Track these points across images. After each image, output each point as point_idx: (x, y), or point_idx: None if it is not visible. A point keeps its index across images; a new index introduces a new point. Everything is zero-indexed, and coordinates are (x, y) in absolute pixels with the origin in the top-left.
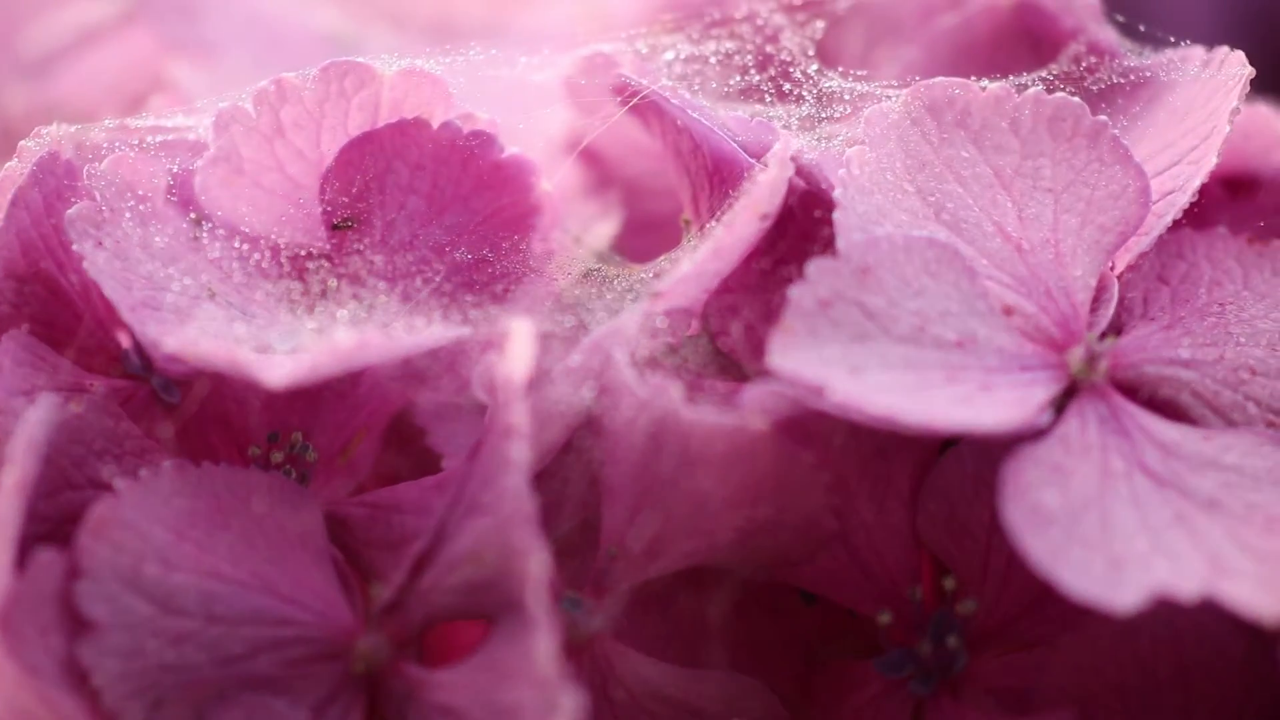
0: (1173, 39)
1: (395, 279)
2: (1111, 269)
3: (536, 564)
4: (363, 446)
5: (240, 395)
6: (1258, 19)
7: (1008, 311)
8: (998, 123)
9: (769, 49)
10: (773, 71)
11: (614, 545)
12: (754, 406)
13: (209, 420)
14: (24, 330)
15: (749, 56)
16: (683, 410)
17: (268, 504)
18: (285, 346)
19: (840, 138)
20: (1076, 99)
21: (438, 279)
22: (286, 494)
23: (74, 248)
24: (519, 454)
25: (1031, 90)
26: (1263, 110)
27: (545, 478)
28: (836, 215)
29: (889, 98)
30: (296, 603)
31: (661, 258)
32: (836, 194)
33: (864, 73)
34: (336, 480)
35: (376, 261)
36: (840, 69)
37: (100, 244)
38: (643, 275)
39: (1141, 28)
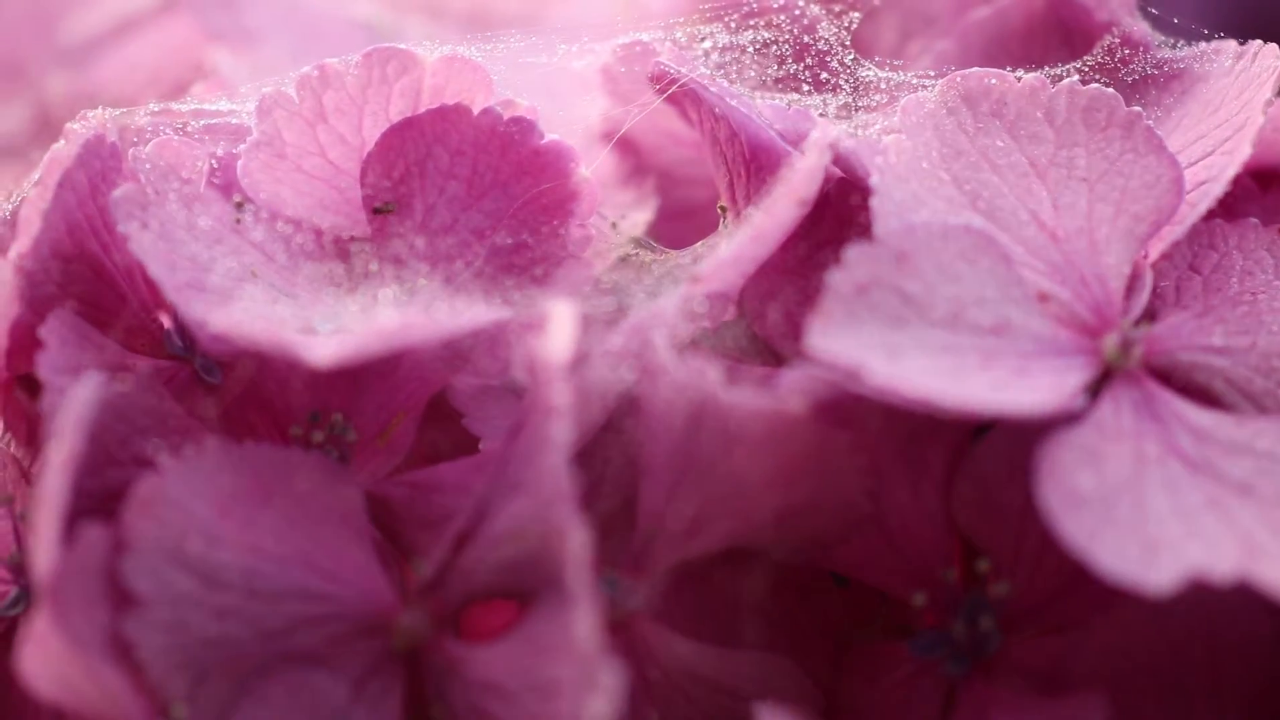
0: (1205, 30)
1: (436, 262)
2: (1145, 257)
3: (576, 542)
4: (402, 427)
5: (282, 376)
6: (1258, 14)
7: (1043, 298)
8: (1033, 113)
9: (806, 39)
10: (809, 61)
11: (652, 525)
12: (791, 389)
13: (251, 400)
14: (70, 310)
15: (786, 46)
16: (721, 392)
17: (309, 483)
18: (328, 328)
19: (877, 127)
20: (1110, 90)
21: (478, 262)
22: (327, 473)
23: (119, 229)
24: (560, 434)
25: (1066, 81)
26: None
27: (585, 458)
28: (874, 202)
29: (925, 87)
30: (337, 579)
31: (699, 243)
32: (873, 181)
33: (900, 63)
34: (377, 460)
35: (418, 244)
36: (876, 59)
37: (145, 226)
38: (680, 261)
39: (1175, 20)
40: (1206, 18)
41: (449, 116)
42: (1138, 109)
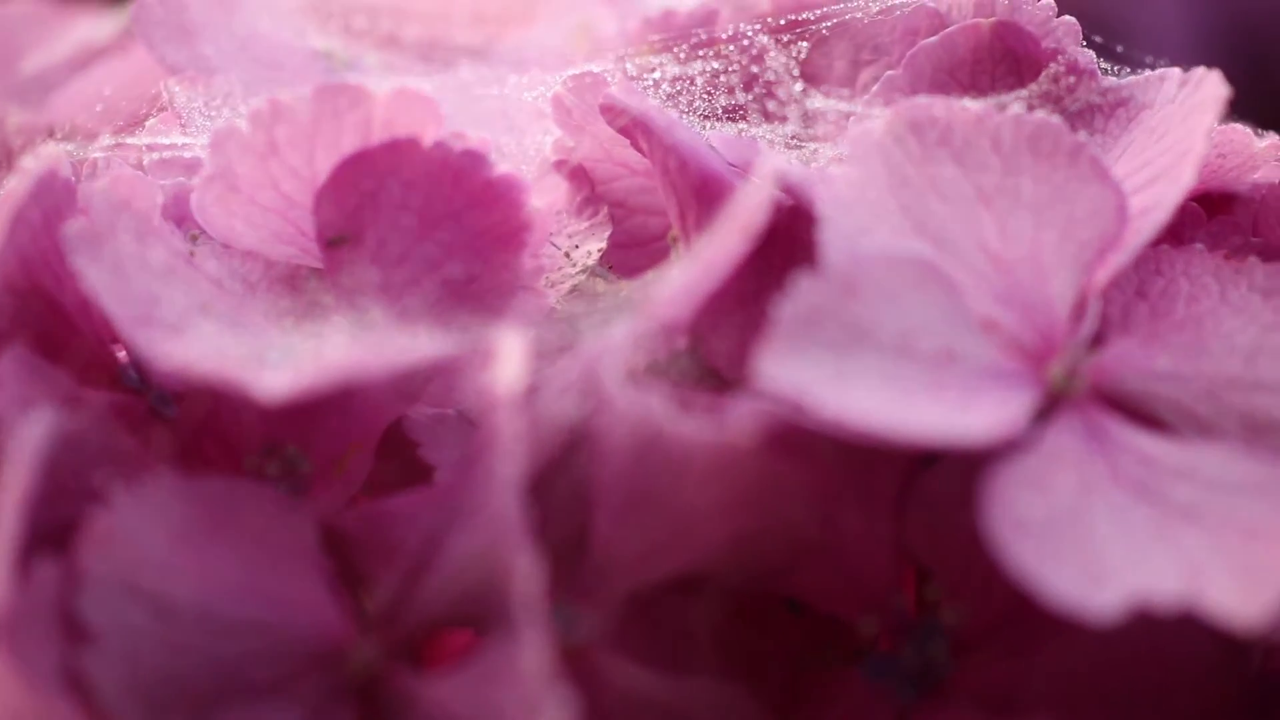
0: (1150, 59)
1: (389, 293)
2: (1091, 284)
3: (525, 572)
4: (356, 458)
5: (235, 409)
6: (1232, 30)
7: (989, 326)
8: (979, 141)
9: (754, 69)
10: (758, 91)
11: (604, 555)
12: (739, 419)
13: (205, 433)
14: (23, 345)
15: (734, 77)
16: (668, 424)
17: (262, 515)
18: (281, 362)
19: (825, 156)
20: (1056, 118)
21: (431, 293)
22: (280, 505)
23: (72, 264)
24: (509, 465)
25: (1012, 110)
26: (1239, 130)
27: (535, 489)
28: (821, 231)
29: (872, 117)
30: (291, 612)
31: (649, 274)
32: (821, 211)
33: (847, 92)
34: (331, 492)
35: (371, 276)
36: (825, 89)
37: (98, 260)
38: (631, 291)
39: (1119, 48)
40: (1191, 31)
41: (400, 149)
42: (1082, 137)
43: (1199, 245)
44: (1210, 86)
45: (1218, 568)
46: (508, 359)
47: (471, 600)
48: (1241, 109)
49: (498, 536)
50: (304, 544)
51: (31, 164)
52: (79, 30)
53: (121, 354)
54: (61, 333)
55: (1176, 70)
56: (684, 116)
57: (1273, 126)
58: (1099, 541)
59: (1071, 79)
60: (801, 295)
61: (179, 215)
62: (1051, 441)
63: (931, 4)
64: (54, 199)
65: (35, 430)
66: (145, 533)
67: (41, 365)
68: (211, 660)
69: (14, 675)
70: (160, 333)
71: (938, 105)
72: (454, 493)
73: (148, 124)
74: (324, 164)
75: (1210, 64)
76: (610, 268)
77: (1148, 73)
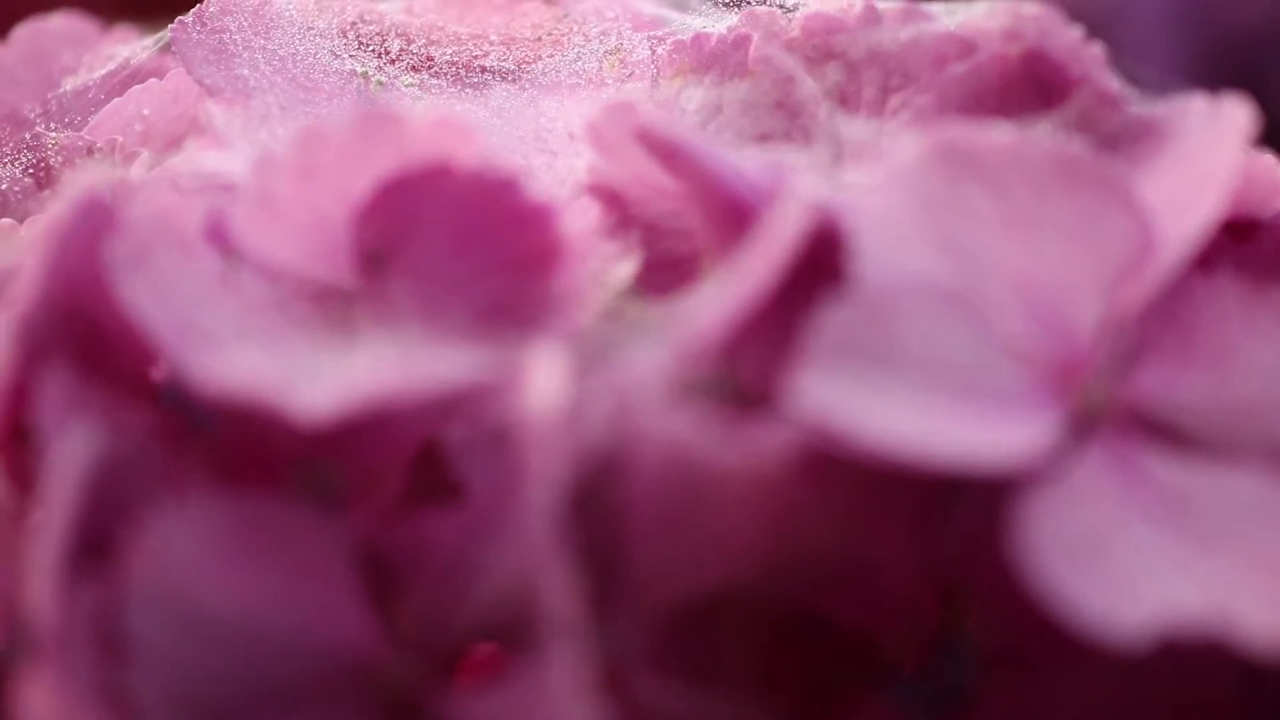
0: (1177, 85)
1: (424, 315)
2: (1119, 311)
3: (560, 593)
4: (391, 475)
5: (273, 425)
6: (1221, 43)
7: (1018, 352)
8: (1007, 169)
9: (786, 95)
10: (789, 117)
11: (636, 576)
12: (772, 442)
13: (242, 451)
14: (66, 364)
15: (765, 101)
16: (701, 450)
17: (297, 532)
18: (318, 382)
19: (856, 182)
20: (1084, 146)
21: (466, 315)
22: (315, 522)
23: (113, 284)
24: (544, 487)
25: (1041, 136)
26: (1265, 158)
27: (571, 510)
28: (851, 256)
29: (902, 143)
30: (324, 629)
31: (682, 297)
32: (852, 236)
33: (877, 118)
34: (366, 508)
35: (407, 298)
36: (854, 114)
37: (138, 280)
38: (663, 315)
39: (1149, 76)
40: (1179, 63)
41: (435, 174)
42: (1111, 164)
43: (1225, 273)
44: (1236, 113)
45: (1245, 593)
46: (542, 380)
47: (505, 619)
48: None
49: (532, 556)
50: (338, 560)
51: (71, 184)
52: (118, 50)
53: (161, 373)
54: (102, 352)
55: (1203, 98)
56: (715, 140)
57: (1264, 141)
58: (1126, 565)
59: (1099, 107)
60: (833, 320)
61: (217, 235)
62: (1079, 465)
63: (960, 31)
64: (94, 219)
65: (78, 449)
66: (184, 550)
67: (83, 384)
68: (248, 676)
69: (63, 693)
70: (199, 352)
71: (967, 132)
72: (489, 511)
73: (186, 144)
74: (361, 187)
75: (1199, 78)
76: (643, 291)
77: (1175, 100)
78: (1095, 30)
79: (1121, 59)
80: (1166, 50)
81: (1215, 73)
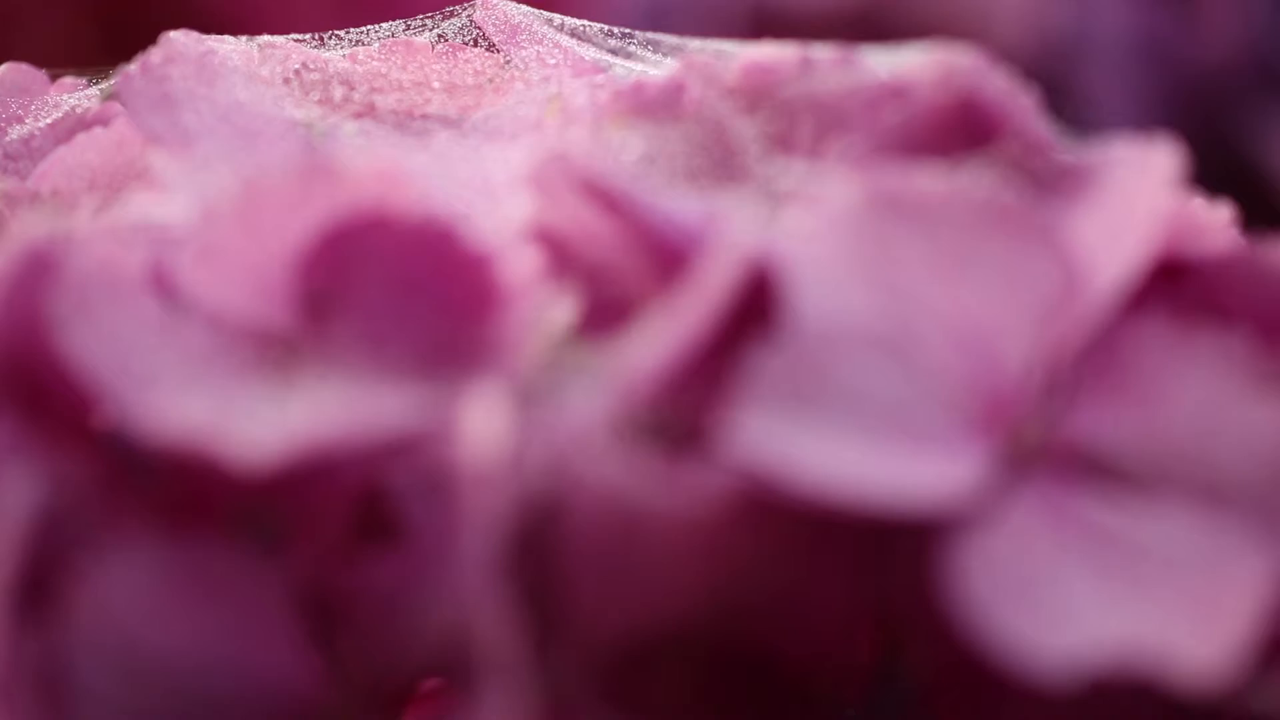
0: (1104, 127)
1: (364, 362)
2: (1050, 352)
3: (499, 635)
4: (333, 517)
5: (214, 471)
6: (1183, 89)
7: (948, 392)
8: (937, 214)
9: (721, 139)
10: (725, 161)
11: (575, 620)
12: (707, 487)
13: (185, 495)
14: (8, 413)
15: (702, 146)
16: (639, 493)
17: (240, 575)
18: (260, 428)
19: (789, 225)
20: (1012, 191)
21: (405, 362)
22: (259, 565)
23: (56, 333)
24: (485, 529)
25: (970, 182)
26: (1193, 200)
27: (509, 553)
28: (786, 299)
29: (836, 188)
30: (270, 671)
31: (621, 341)
32: (786, 278)
33: (812, 162)
34: (308, 549)
35: (347, 346)
36: (790, 159)
37: (81, 329)
38: (602, 359)
39: (1067, 110)
40: (1145, 103)
41: (375, 223)
42: (1036, 209)
43: (1153, 314)
44: (1165, 157)
45: (1176, 630)
46: (481, 424)
47: (447, 660)
48: (1194, 170)
49: (470, 598)
50: (279, 604)
51: (15, 233)
52: (64, 98)
53: (103, 421)
54: (43, 402)
55: (1133, 141)
56: (654, 186)
57: (1225, 186)
58: (1058, 603)
59: (1030, 152)
60: (766, 363)
61: (159, 283)
62: (1011, 504)
63: (894, 80)
64: (37, 269)
65: (20, 496)
66: (127, 597)
67: (24, 433)
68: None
69: None
70: (140, 398)
71: (897, 179)
72: (429, 553)
73: (130, 193)
74: (302, 236)
75: (1165, 118)
76: (583, 336)
77: (1104, 144)
78: (1059, 71)
79: (1083, 100)
80: (1132, 90)
81: (1181, 112)
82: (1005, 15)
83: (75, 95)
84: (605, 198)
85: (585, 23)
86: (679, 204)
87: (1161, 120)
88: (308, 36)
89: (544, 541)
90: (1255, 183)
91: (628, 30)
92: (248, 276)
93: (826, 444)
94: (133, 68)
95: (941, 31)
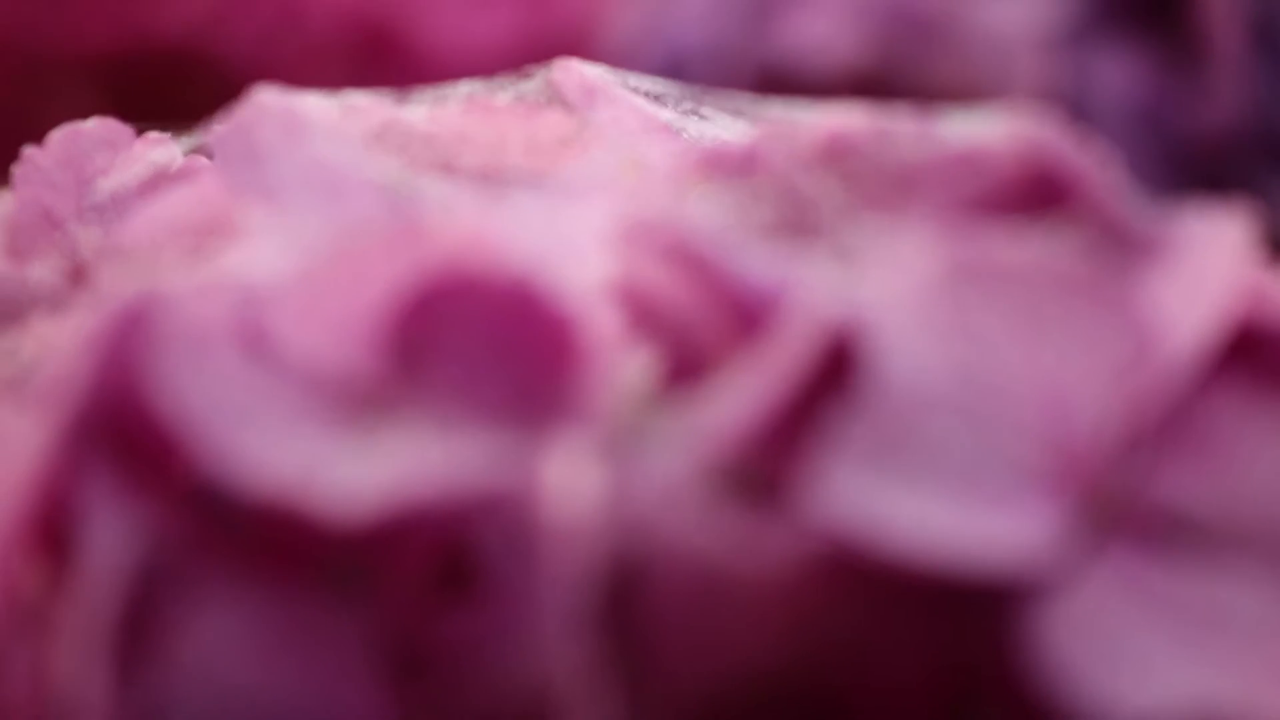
0: (1180, 196)
1: (453, 419)
2: (1126, 415)
3: (583, 692)
4: (418, 569)
5: (307, 522)
6: (1186, 154)
7: (1027, 453)
8: (1016, 280)
9: (799, 204)
10: (802, 225)
11: (657, 676)
12: (790, 548)
13: (277, 545)
14: (105, 465)
15: (780, 210)
16: (721, 550)
17: (329, 624)
18: (352, 481)
19: (871, 289)
20: (1089, 258)
21: (491, 421)
22: (347, 614)
23: (150, 387)
24: (570, 585)
25: (1047, 249)
26: (1263, 272)
27: (594, 610)
28: (867, 362)
29: (916, 253)
30: (353, 718)
31: (702, 400)
32: (868, 342)
33: (891, 228)
34: (394, 600)
35: (435, 402)
36: (867, 224)
37: (175, 383)
38: (685, 417)
39: (1152, 187)
40: (1143, 169)
41: (462, 282)
42: (1113, 276)
43: (1227, 381)
44: (1236, 227)
45: (1254, 688)
46: (566, 483)
47: (526, 714)
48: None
49: (554, 655)
50: (363, 653)
51: (108, 287)
52: (150, 153)
53: (203, 469)
54: (140, 455)
55: (1207, 209)
56: (735, 248)
57: None
58: (1136, 663)
59: (1105, 220)
60: (850, 422)
61: (251, 337)
62: (1090, 565)
63: (970, 150)
64: (130, 323)
65: (119, 552)
66: (218, 648)
67: (122, 488)
68: None
69: None
70: (233, 451)
71: (977, 245)
72: (512, 607)
73: (218, 247)
74: (390, 293)
75: (1163, 184)
76: (665, 395)
77: (1176, 213)
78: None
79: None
80: (1130, 157)
81: (1178, 179)
82: (1017, 78)
83: (162, 150)
84: (686, 258)
85: (658, 81)
86: (759, 266)
87: (1161, 187)
88: (387, 96)
89: (627, 598)
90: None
91: (700, 90)
92: (336, 332)
93: (909, 503)
94: (220, 124)
95: (953, 92)
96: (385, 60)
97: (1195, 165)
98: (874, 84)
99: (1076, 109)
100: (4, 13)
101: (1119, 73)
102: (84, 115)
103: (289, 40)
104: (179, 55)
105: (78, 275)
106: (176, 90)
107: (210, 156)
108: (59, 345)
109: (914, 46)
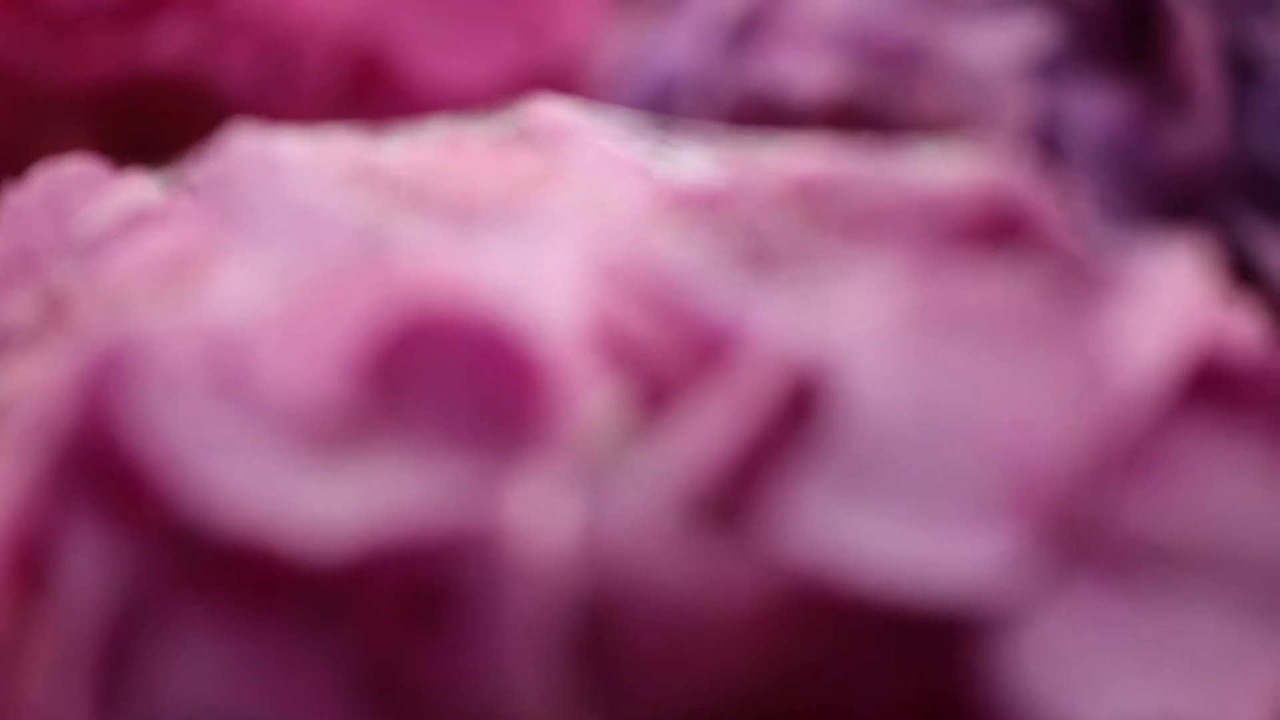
0: (1136, 235)
1: (423, 456)
2: (1083, 448)
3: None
4: (390, 602)
5: (282, 557)
6: (1156, 188)
7: (988, 484)
8: (976, 316)
9: (763, 241)
10: (766, 262)
11: (626, 709)
12: (757, 576)
13: (253, 579)
14: (85, 503)
15: (744, 247)
16: (690, 584)
17: (304, 657)
18: (325, 518)
19: (833, 326)
20: (1047, 295)
21: (462, 454)
22: (322, 646)
23: (128, 426)
24: (538, 619)
25: (1005, 286)
26: (1228, 306)
27: (563, 644)
28: (832, 398)
29: (878, 293)
30: None
31: (668, 436)
32: (831, 377)
33: (853, 267)
34: (367, 633)
35: (406, 439)
36: (831, 262)
37: (152, 422)
38: (651, 453)
39: (1113, 219)
40: (1115, 202)
41: (434, 322)
42: (1070, 312)
43: (1192, 414)
44: (1195, 260)
45: (1205, 709)
46: (533, 516)
47: None
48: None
49: (524, 688)
50: (338, 685)
51: (84, 328)
52: (128, 192)
53: (181, 504)
54: (121, 489)
55: (1167, 246)
56: (701, 283)
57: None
58: (1095, 683)
59: (1064, 257)
60: (815, 457)
61: (225, 375)
62: (1051, 593)
63: (932, 190)
64: (107, 362)
65: (98, 589)
66: (196, 681)
67: (101, 526)
68: None
69: None
70: (218, 483)
71: (936, 281)
72: (483, 640)
73: (195, 286)
74: (363, 332)
75: (1135, 217)
76: (630, 429)
77: (1138, 249)
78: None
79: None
80: (1106, 190)
81: (1154, 212)
82: (995, 109)
83: (139, 189)
84: (653, 295)
85: (629, 116)
86: (726, 302)
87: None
88: (363, 133)
89: (598, 631)
90: (1245, 282)
91: (667, 123)
92: (310, 370)
93: (872, 533)
94: (196, 163)
95: (932, 123)
96: (378, 92)
97: (1171, 199)
98: (854, 114)
99: (1053, 141)
100: None
101: (1096, 105)
102: (76, 148)
103: (281, 71)
104: (171, 86)
105: (54, 314)
106: (170, 121)
107: (189, 193)
108: (36, 385)
109: (893, 77)
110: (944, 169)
